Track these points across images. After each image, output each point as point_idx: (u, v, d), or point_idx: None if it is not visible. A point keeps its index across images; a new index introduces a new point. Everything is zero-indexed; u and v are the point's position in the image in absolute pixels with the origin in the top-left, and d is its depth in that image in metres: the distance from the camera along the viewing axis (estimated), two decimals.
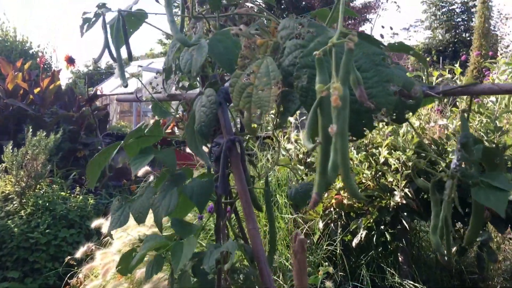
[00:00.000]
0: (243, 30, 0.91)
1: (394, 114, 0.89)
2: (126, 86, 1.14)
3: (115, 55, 1.13)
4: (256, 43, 0.86)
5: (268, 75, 0.82)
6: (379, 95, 0.77)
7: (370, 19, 19.96)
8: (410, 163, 3.11)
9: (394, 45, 0.97)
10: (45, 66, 11.17)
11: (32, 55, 12.13)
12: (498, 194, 0.92)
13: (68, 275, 3.67)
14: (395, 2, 28.26)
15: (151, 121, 1.36)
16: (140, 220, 1.19)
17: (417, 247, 3.91)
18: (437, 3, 20.55)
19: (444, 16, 20.32)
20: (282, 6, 24.45)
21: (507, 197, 0.90)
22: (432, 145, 3.46)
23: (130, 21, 1.30)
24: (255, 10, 1.16)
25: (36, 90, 6.83)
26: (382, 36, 13.63)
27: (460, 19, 20.39)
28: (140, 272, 3.15)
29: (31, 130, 4.97)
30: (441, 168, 3.08)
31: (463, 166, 0.97)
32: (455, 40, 19.66)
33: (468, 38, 18.93)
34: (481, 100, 3.27)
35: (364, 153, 3.29)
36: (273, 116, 0.97)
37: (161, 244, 1.12)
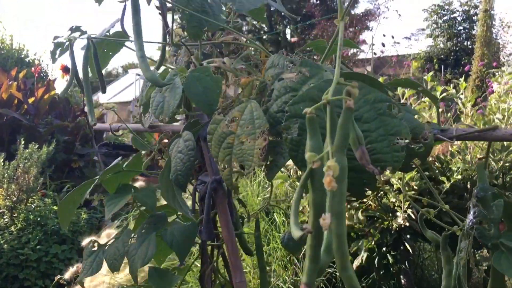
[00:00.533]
0: (227, 64, 0.79)
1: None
2: (94, 125, 1.02)
3: (84, 87, 1.00)
4: (240, 83, 0.74)
5: (252, 123, 0.69)
6: (384, 151, 0.65)
7: (371, 27, 19.86)
8: (413, 183, 2.98)
9: (401, 81, 0.84)
10: (41, 75, 11.06)
11: (28, 63, 12.02)
12: None
13: None
14: (397, 11, 28.40)
15: None
16: (115, 268, 1.06)
17: (421, 268, 3.78)
18: (438, 11, 20.42)
19: (446, 24, 20.19)
20: (282, 13, 24.43)
21: None
22: (436, 162, 3.34)
23: (109, 45, 1.18)
24: (246, 34, 1.04)
25: (31, 100, 6.73)
26: (383, 44, 13.55)
27: (461, 27, 20.25)
28: None
29: (23, 142, 4.88)
30: (445, 189, 2.95)
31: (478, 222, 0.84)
32: (457, 48, 19.51)
33: (470, 47, 18.80)
34: (486, 117, 3.15)
35: None
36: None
37: None
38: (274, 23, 29.00)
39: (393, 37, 13.20)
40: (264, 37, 29.01)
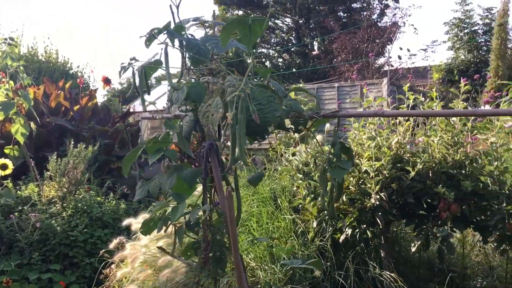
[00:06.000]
0: (210, 80, 1.61)
1: (293, 127, 1.57)
2: (145, 110, 1.85)
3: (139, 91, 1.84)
4: (213, 88, 1.56)
5: (216, 107, 1.51)
6: (269, 117, 1.47)
7: (395, 39, 20.56)
8: (385, 172, 3.72)
9: (297, 88, 1.66)
10: (84, 86, 12.11)
11: (72, 75, 13.24)
12: (341, 171, 1.60)
13: (101, 264, 4.28)
14: (412, 25, 29.62)
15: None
16: (154, 192, 1.89)
17: (398, 243, 4.49)
18: (459, 24, 21.05)
19: (467, 36, 20.77)
20: (310, 26, 25.15)
21: (345, 173, 1.58)
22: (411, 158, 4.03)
23: (151, 68, 2.03)
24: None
25: (76, 107, 7.64)
26: (400, 57, 14.20)
27: (482, 40, 20.80)
28: (161, 260, 3.80)
29: (73, 142, 5.73)
30: (411, 176, 3.63)
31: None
32: (477, 60, 20.05)
33: (490, 58, 19.30)
34: (447, 120, 3.85)
35: None
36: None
37: (165, 206, 1.83)
38: (302, 35, 29.79)
39: (409, 50, 13.88)
40: (292, 49, 29.85)
